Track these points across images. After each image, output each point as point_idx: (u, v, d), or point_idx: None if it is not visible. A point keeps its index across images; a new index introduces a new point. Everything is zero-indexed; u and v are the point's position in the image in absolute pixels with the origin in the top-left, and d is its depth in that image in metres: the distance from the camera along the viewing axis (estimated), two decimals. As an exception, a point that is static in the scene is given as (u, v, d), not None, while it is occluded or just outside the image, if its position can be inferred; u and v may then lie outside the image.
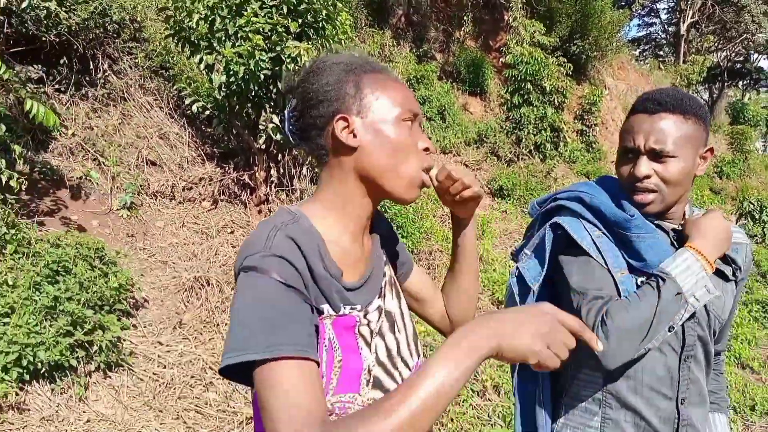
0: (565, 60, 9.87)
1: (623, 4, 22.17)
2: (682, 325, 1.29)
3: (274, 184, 5.28)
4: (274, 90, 4.82)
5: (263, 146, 5.08)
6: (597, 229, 1.30)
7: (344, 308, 0.95)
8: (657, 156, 1.24)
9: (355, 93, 0.98)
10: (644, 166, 1.25)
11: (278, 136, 4.96)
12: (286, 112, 1.04)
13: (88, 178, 4.68)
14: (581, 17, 12.24)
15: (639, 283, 1.26)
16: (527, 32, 9.46)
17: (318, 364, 0.84)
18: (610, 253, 1.28)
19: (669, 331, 1.19)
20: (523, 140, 9.36)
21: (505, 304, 1.45)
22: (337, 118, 0.96)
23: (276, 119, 4.92)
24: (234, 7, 4.55)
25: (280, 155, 5.31)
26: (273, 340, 0.80)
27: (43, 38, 4.86)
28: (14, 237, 3.24)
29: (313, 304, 0.90)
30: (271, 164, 5.25)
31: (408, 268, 1.22)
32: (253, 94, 4.72)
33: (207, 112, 5.27)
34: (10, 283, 2.96)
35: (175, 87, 5.78)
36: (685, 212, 1.39)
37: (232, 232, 4.99)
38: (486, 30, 14.86)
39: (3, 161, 3.35)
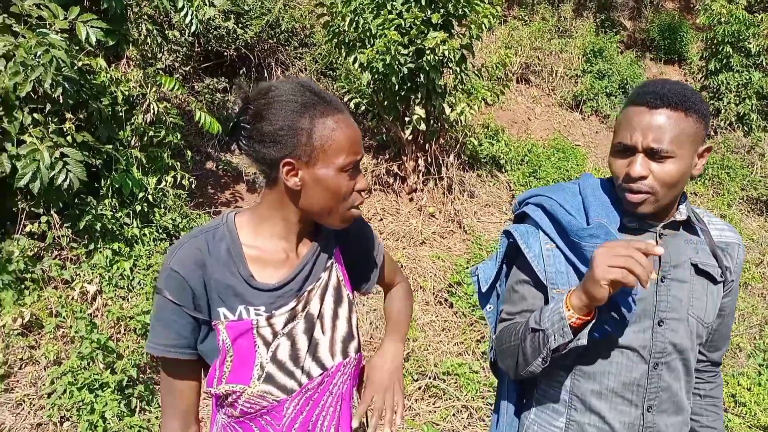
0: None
1: None
2: (652, 331, 1.20)
3: (422, 173, 5.45)
4: (419, 82, 4.98)
5: (410, 137, 5.28)
6: (551, 241, 1.26)
7: (244, 311, 1.09)
8: (654, 155, 1.14)
9: (306, 141, 1.04)
10: (640, 165, 1.14)
11: (422, 126, 5.11)
12: (238, 119, 1.10)
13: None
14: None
15: None
16: (722, -10, 8.19)
17: (189, 361, 1.11)
18: (553, 268, 1.23)
19: (543, 363, 1.17)
20: (723, 111, 8.19)
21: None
22: (284, 163, 1.05)
23: (420, 110, 5.08)
24: (377, 8, 4.79)
25: (427, 145, 5.46)
26: (153, 340, 1.10)
27: (225, 53, 5.65)
28: (187, 225, 3.91)
29: (201, 314, 1.09)
30: (419, 154, 5.43)
31: (370, 284, 1.35)
32: (396, 87, 4.93)
33: (363, 107, 5.63)
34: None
35: (338, 85, 6.27)
36: (678, 207, 1.26)
37: (381, 220, 5.30)
38: (687, -12, 13.18)
39: (178, 164, 4.04)
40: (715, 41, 8.20)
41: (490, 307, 1.41)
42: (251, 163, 1.13)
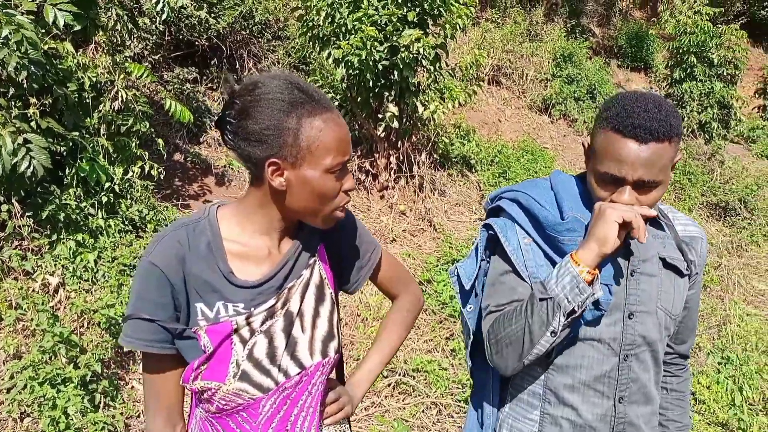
0: (739, 27, 8.64)
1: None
2: (623, 324, 1.24)
3: (393, 171, 5.46)
4: (392, 79, 4.98)
5: (383, 134, 5.27)
6: (528, 236, 1.28)
7: (222, 307, 1.07)
8: (643, 186, 1.17)
9: (293, 142, 1.01)
10: (629, 196, 1.17)
11: (395, 124, 5.11)
12: (224, 113, 1.08)
13: (230, 166, 5.27)
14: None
15: None
16: (686, 2, 8.45)
17: (172, 356, 1.09)
18: (533, 262, 1.25)
19: (552, 336, 1.17)
20: (686, 119, 8.44)
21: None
22: (269, 162, 1.03)
23: (393, 108, 5.08)
24: (353, 3, 4.77)
25: (399, 143, 5.46)
26: (131, 334, 1.07)
27: (196, 43, 5.54)
28: (153, 218, 3.81)
29: (179, 308, 1.07)
30: (391, 151, 5.43)
31: (357, 284, 1.32)
32: (371, 84, 4.92)
33: (336, 103, 5.60)
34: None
35: (310, 80, 6.22)
36: None
37: (352, 217, 5.28)
38: (654, -2, 13.54)
39: (146, 154, 3.94)
40: (680, 51, 8.44)
41: (470, 307, 1.41)
42: (236, 158, 1.10)
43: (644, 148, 1.13)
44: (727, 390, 3.61)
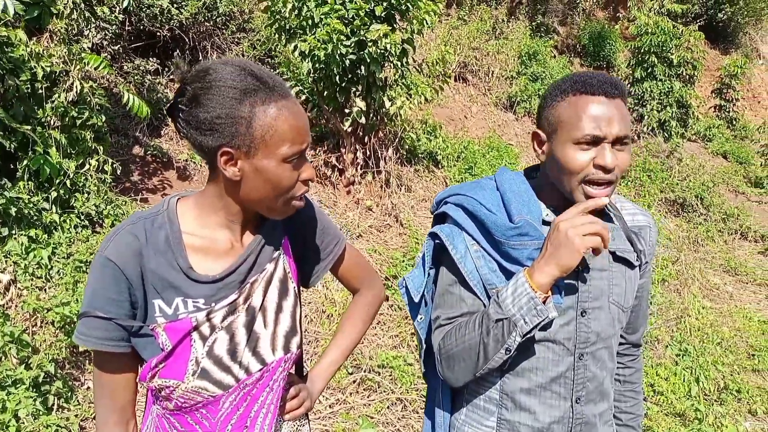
0: (697, 29, 8.89)
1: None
2: (576, 322, 1.21)
3: (360, 166, 5.42)
4: (359, 74, 4.94)
5: (349, 129, 5.23)
6: (475, 242, 1.23)
7: (181, 304, 1.03)
8: (619, 143, 1.14)
9: (245, 131, 0.97)
10: (611, 155, 1.12)
11: (362, 119, 5.08)
12: (175, 100, 1.03)
13: (192, 160, 5.16)
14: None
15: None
16: (653, 2, 8.65)
17: (125, 354, 1.05)
18: (485, 269, 1.21)
19: (506, 353, 1.15)
20: (646, 117, 8.65)
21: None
22: (222, 152, 0.99)
23: (360, 102, 5.04)
24: (320, -5, 4.71)
25: (366, 138, 5.43)
26: (84, 332, 1.03)
27: (158, 33, 5.39)
28: (111, 212, 3.69)
29: (136, 305, 1.03)
30: (358, 146, 5.39)
31: (316, 278, 1.29)
32: (338, 78, 4.87)
33: (303, 97, 5.53)
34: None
35: (277, 72, 6.13)
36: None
37: (318, 212, 5.23)
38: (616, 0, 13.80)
39: (101, 147, 3.81)
40: (641, 51, 8.63)
41: (421, 317, 1.36)
42: (191, 147, 1.06)
43: (614, 102, 1.13)
44: (684, 381, 3.71)
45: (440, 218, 1.34)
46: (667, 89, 8.56)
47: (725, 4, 12.73)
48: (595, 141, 1.13)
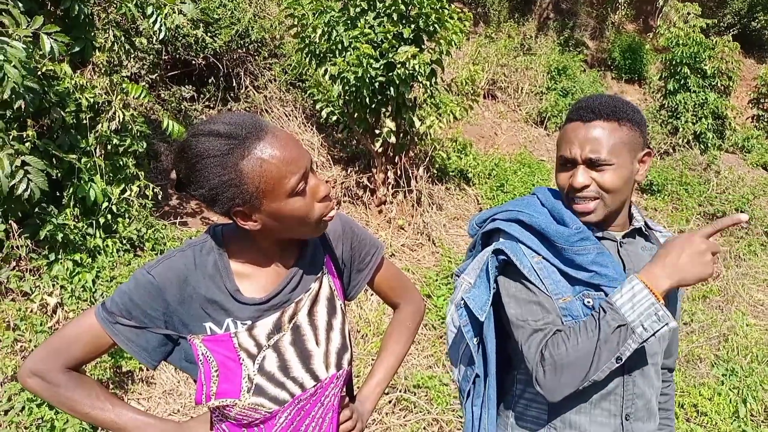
0: (732, 39, 8.72)
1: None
2: None
3: (391, 186, 5.47)
4: (389, 95, 5.00)
5: (380, 149, 5.29)
6: (536, 254, 1.26)
7: (231, 324, 1.08)
8: (594, 165, 1.22)
9: (242, 190, 1.00)
10: (581, 176, 1.23)
11: (392, 139, 5.13)
12: (179, 180, 1.07)
13: (228, 183, 5.28)
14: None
15: (586, 303, 1.21)
16: (679, 14, 8.54)
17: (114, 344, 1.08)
18: (550, 280, 1.23)
19: (617, 362, 1.13)
20: (681, 129, 8.49)
21: (447, 345, 1.43)
22: (234, 213, 1.04)
23: (390, 123, 5.10)
24: (350, 21, 4.82)
25: (396, 157, 5.48)
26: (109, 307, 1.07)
27: (193, 62, 5.58)
28: (152, 236, 3.81)
29: (170, 326, 1.08)
30: (389, 166, 5.44)
31: (357, 291, 1.33)
32: (367, 100, 4.95)
33: (335, 118, 5.63)
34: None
35: (308, 94, 6.25)
36: (632, 216, 1.34)
37: (351, 232, 5.28)
38: (646, 12, 13.68)
39: (142, 173, 3.95)
40: (673, 62, 8.52)
41: (476, 339, 1.32)
42: None
43: (588, 125, 1.22)
44: (729, 402, 3.59)
45: (487, 236, 1.37)
46: (701, 101, 8.40)
47: (759, 12, 12.50)
48: (572, 162, 1.24)
